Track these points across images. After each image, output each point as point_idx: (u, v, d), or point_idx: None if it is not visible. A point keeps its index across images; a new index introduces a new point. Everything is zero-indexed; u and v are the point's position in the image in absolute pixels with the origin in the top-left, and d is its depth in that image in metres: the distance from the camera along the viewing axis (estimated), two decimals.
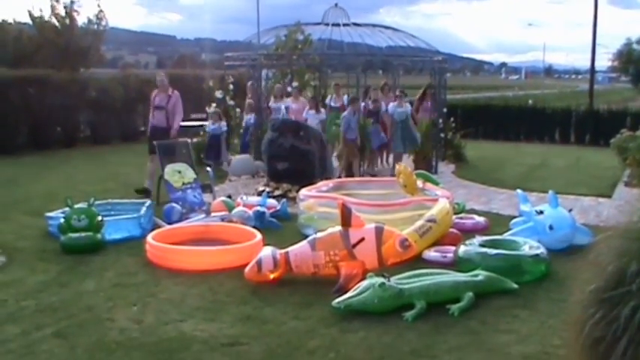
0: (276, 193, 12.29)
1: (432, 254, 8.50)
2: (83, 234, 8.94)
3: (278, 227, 10.12)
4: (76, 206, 9.26)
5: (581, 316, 4.33)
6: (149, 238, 8.71)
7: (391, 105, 15.47)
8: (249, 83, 16.26)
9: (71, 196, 9.67)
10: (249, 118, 15.79)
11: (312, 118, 14.98)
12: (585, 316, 4.26)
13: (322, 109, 15.51)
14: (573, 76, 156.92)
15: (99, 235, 9.08)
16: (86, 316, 6.60)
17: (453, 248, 8.42)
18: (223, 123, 15.30)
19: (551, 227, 8.79)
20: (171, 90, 12.97)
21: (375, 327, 6.29)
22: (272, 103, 16.00)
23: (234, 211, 10.26)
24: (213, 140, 15.20)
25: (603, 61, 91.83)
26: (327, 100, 16.35)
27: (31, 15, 24.20)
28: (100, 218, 9.24)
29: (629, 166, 14.40)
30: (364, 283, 6.73)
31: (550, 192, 9.31)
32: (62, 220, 9.13)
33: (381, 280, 6.68)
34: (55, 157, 18.03)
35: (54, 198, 11.52)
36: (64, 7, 24.26)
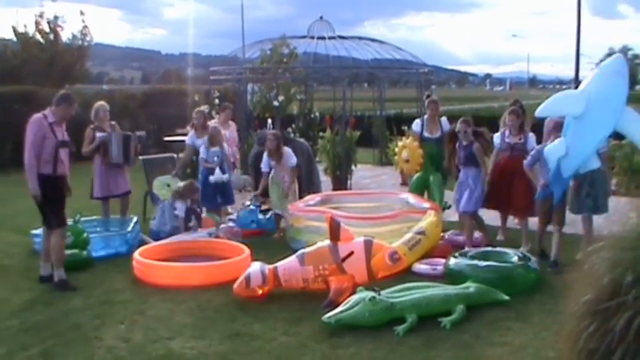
0: (264, 207, 12.24)
1: (421, 267, 8.43)
2: (69, 251, 8.82)
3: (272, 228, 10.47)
4: None
5: (575, 327, 4.28)
6: (136, 254, 8.61)
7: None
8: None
9: None
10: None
11: (280, 169, 10.87)
12: (579, 327, 4.22)
13: (287, 149, 10.95)
14: (557, 86, 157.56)
15: (85, 253, 8.97)
16: (73, 335, 6.49)
17: (442, 261, 8.38)
18: None
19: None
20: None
21: (367, 342, 6.22)
22: (191, 138, 11.89)
23: (221, 227, 10.16)
24: None
25: (587, 71, 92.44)
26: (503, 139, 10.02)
27: (15, 31, 24.16)
28: (85, 235, 9.13)
29: (616, 175, 14.42)
30: (354, 298, 6.66)
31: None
32: None
33: (371, 294, 6.61)
34: None
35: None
36: (48, 23, 24.24)
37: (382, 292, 6.74)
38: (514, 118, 9.98)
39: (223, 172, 10.88)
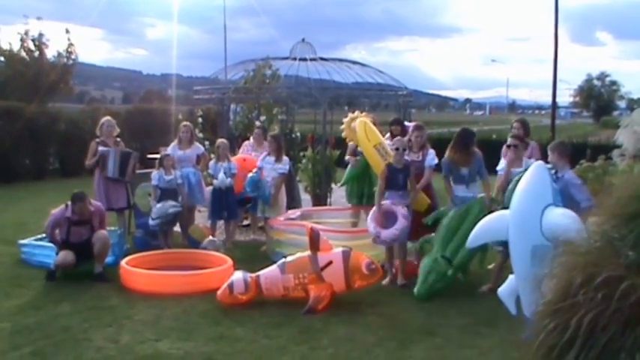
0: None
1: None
2: None
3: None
4: None
5: (536, 327, 4.64)
6: (123, 263, 8.89)
7: None
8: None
9: (42, 225, 9.73)
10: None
11: (270, 170, 11.06)
12: (540, 327, 4.58)
13: (285, 157, 11.39)
14: (537, 112, 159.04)
15: None
16: (63, 337, 6.77)
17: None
18: None
19: None
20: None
21: (344, 344, 6.57)
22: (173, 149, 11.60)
23: (205, 241, 10.44)
24: None
25: (566, 97, 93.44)
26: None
27: None
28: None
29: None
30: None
31: None
32: None
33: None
34: (24, 189, 18.09)
35: (25, 227, 11.68)
36: (33, 41, 24.43)
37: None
38: (419, 134, 9.75)
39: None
